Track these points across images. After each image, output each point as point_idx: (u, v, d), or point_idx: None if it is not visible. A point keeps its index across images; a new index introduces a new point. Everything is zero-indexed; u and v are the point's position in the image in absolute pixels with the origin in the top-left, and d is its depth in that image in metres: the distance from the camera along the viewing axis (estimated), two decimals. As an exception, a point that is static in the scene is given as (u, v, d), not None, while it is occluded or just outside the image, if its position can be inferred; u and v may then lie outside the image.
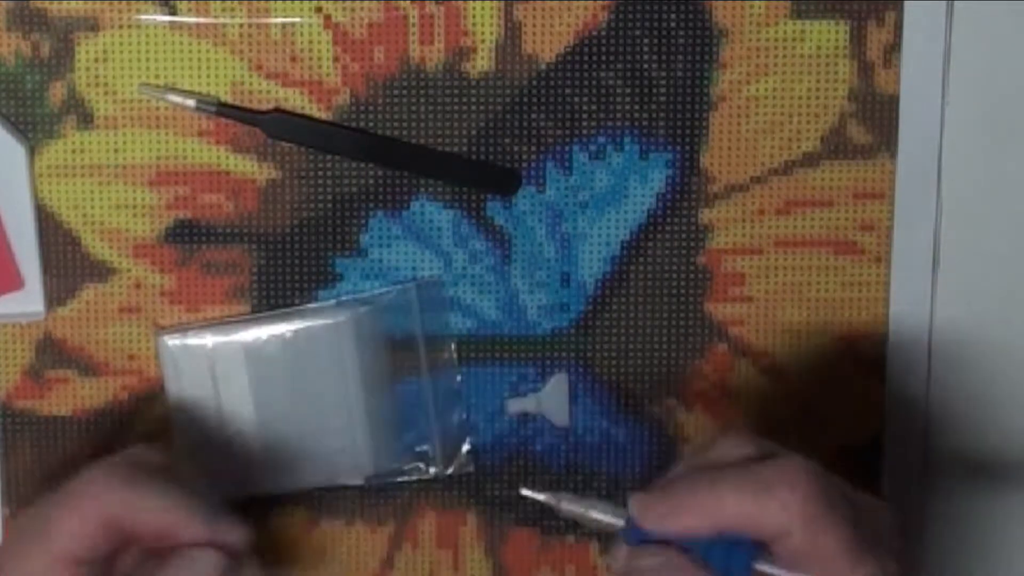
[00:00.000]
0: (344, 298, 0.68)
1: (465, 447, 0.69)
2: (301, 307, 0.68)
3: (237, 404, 0.67)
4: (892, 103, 0.68)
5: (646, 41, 0.67)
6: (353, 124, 0.67)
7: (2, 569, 0.58)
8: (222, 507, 0.60)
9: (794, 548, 0.54)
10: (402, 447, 0.69)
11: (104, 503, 0.58)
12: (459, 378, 0.69)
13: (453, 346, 0.69)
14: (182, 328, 0.67)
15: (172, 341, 0.67)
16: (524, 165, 0.68)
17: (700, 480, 0.56)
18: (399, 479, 0.69)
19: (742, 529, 0.55)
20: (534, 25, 0.67)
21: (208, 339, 0.67)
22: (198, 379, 0.67)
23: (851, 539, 0.54)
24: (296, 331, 0.67)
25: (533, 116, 0.68)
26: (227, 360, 0.67)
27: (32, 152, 0.67)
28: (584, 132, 0.68)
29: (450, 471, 0.69)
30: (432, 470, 0.69)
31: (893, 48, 0.68)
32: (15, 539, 0.59)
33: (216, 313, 0.68)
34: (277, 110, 0.67)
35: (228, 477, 0.68)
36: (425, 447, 0.69)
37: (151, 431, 0.69)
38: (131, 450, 0.62)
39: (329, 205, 0.68)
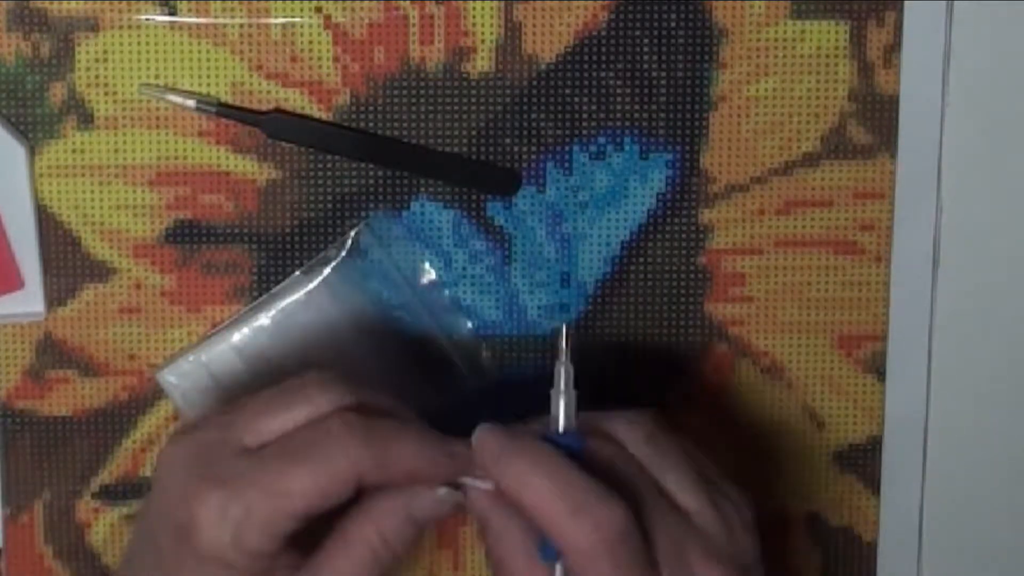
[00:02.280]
0: (305, 266, 0.68)
1: (484, 353, 0.69)
2: (271, 292, 0.68)
3: None
4: (892, 103, 0.68)
5: (646, 41, 0.68)
6: (353, 124, 0.67)
7: (205, 518, 0.54)
8: (454, 439, 0.57)
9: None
10: (433, 381, 0.68)
11: (351, 462, 0.54)
12: (447, 292, 0.68)
13: (427, 264, 0.68)
14: (172, 358, 0.67)
15: (169, 376, 0.67)
16: (524, 165, 0.68)
17: (530, 449, 0.56)
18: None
19: (533, 519, 0.55)
20: (534, 25, 0.67)
21: (202, 355, 0.67)
22: (209, 398, 0.67)
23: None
24: (273, 315, 0.67)
25: (533, 116, 0.68)
26: (225, 369, 0.66)
27: (32, 152, 0.67)
28: (584, 132, 0.68)
29: (480, 380, 0.68)
30: (467, 385, 0.68)
31: (893, 48, 0.68)
32: (220, 495, 0.54)
33: (216, 313, 0.68)
34: (277, 110, 0.67)
35: None
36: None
37: (152, 432, 0.69)
38: (358, 397, 0.57)
39: (329, 205, 0.68)
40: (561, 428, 0.58)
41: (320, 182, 0.68)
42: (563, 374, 0.58)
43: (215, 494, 0.54)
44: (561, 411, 0.58)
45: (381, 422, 0.56)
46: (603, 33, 0.67)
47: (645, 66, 0.68)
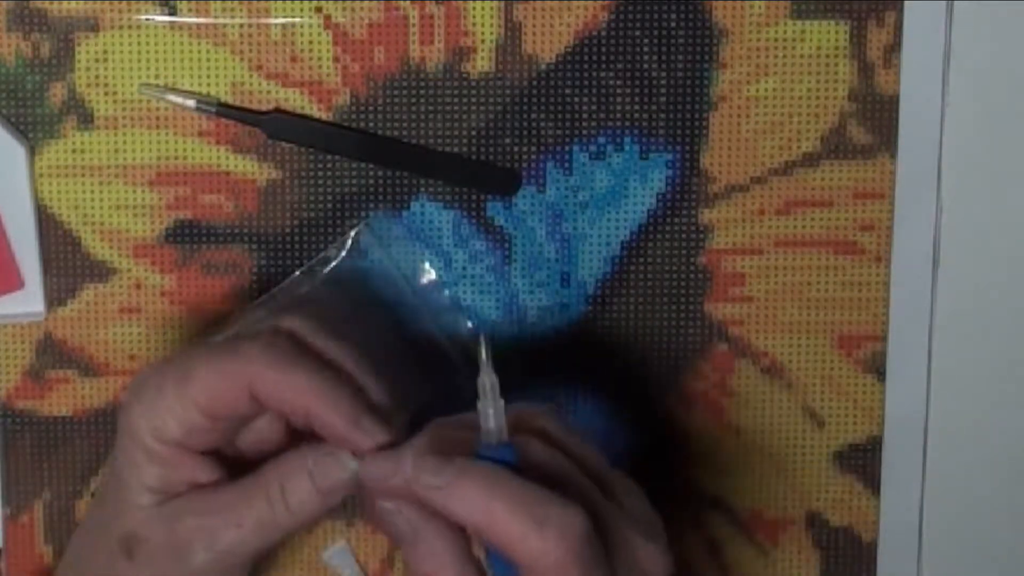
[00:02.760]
0: (305, 266, 0.68)
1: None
2: (271, 292, 0.67)
3: None
4: (892, 103, 0.68)
5: (646, 41, 0.68)
6: (353, 124, 0.67)
7: (136, 394, 0.57)
8: (371, 408, 0.57)
9: None
10: (433, 381, 0.68)
11: (245, 368, 0.56)
12: (447, 292, 0.68)
13: (427, 264, 0.68)
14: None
15: None
16: (524, 165, 0.68)
17: (477, 473, 0.54)
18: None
19: (493, 540, 0.53)
20: (534, 25, 0.67)
21: None
22: None
23: None
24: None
25: (533, 116, 0.68)
26: None
27: (32, 152, 0.67)
28: (584, 132, 0.68)
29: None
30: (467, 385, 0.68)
31: (893, 48, 0.68)
32: (151, 374, 0.57)
33: (216, 313, 0.68)
34: (277, 110, 0.67)
35: None
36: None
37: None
38: (295, 324, 0.58)
39: (329, 205, 0.68)
40: (495, 440, 0.55)
41: (320, 182, 0.68)
42: (488, 385, 0.55)
43: (145, 371, 0.58)
44: (492, 423, 0.55)
45: (305, 356, 0.56)
46: (603, 33, 0.67)
47: (645, 66, 0.68)
